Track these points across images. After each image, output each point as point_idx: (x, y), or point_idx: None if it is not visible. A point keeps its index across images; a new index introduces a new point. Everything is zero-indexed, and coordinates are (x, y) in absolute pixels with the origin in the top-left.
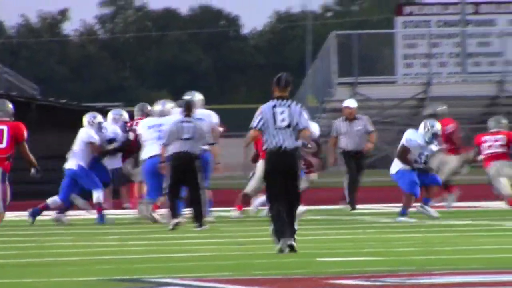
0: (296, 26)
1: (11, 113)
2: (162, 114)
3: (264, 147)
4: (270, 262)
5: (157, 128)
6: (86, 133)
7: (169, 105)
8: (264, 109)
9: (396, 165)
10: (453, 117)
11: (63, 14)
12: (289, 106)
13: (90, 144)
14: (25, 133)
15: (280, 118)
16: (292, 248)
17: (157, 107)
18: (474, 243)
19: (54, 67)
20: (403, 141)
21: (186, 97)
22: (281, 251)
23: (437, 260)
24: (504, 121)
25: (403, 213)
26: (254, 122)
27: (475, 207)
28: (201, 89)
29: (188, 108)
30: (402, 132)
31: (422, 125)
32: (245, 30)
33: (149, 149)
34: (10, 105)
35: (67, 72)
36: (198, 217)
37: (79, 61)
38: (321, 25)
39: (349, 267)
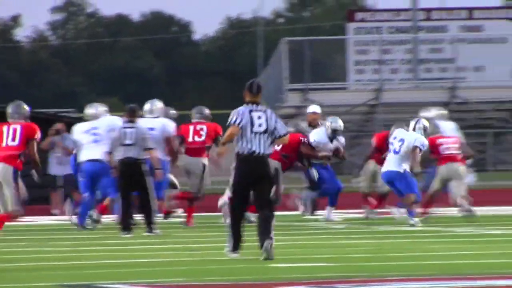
0: (247, 32)
1: (26, 115)
2: (95, 117)
3: (236, 151)
4: (222, 268)
5: (92, 131)
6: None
7: (102, 108)
8: (241, 111)
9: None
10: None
11: (15, 20)
12: (264, 111)
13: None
14: (38, 133)
15: (258, 123)
16: (268, 255)
17: (90, 110)
18: (426, 250)
19: (6, 73)
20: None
21: (147, 104)
22: (266, 255)
23: (390, 266)
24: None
25: (411, 214)
26: (233, 119)
27: (427, 213)
28: (153, 95)
29: (131, 114)
30: (354, 138)
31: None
32: (197, 36)
33: (86, 153)
34: (26, 107)
35: (19, 78)
36: (148, 222)
37: (30, 67)
38: (272, 31)
39: (301, 273)
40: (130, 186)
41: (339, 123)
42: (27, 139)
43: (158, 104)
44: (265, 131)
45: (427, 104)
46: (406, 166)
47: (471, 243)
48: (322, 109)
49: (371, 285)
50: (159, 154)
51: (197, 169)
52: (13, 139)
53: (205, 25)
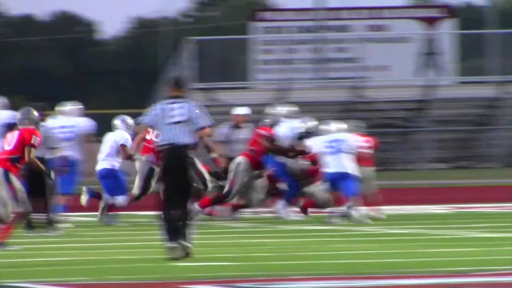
0: (154, 32)
1: (36, 121)
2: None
3: (157, 144)
4: (126, 267)
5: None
6: (120, 136)
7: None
8: (155, 108)
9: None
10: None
11: None
12: (185, 103)
13: (122, 147)
14: (35, 139)
15: (175, 113)
16: (186, 252)
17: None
18: (331, 249)
19: None
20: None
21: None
22: (177, 255)
23: (294, 265)
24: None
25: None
26: (145, 118)
27: (332, 212)
28: (58, 94)
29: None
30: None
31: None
32: (103, 35)
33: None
34: (35, 113)
35: None
36: (45, 222)
37: None
38: (178, 31)
39: (205, 272)
40: (34, 185)
41: (311, 124)
42: (22, 144)
43: (73, 104)
44: (182, 121)
45: (332, 104)
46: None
47: (376, 243)
48: (226, 109)
49: (273, 284)
50: (69, 152)
51: None
52: (9, 144)
53: (111, 25)
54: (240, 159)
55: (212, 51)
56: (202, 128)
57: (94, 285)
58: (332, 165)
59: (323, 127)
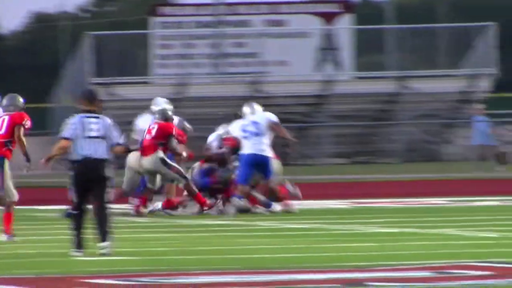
0: (52, 27)
1: (22, 107)
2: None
3: (71, 157)
4: (28, 261)
5: None
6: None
7: None
8: (73, 121)
9: None
10: (208, 118)
11: None
12: (100, 118)
13: None
14: (26, 121)
15: (91, 128)
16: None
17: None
18: (230, 243)
19: None
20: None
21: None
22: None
23: (193, 260)
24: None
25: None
26: (64, 132)
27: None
28: None
29: None
30: None
31: None
32: (1, 30)
33: None
34: (21, 99)
35: None
36: None
37: None
38: (77, 26)
39: (104, 266)
40: None
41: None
42: (13, 127)
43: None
44: (99, 137)
45: (231, 99)
46: None
47: (276, 237)
48: (125, 104)
49: (175, 278)
50: None
51: None
52: (0, 129)
53: (10, 20)
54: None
55: (111, 46)
56: (116, 145)
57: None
58: (247, 147)
59: (244, 109)
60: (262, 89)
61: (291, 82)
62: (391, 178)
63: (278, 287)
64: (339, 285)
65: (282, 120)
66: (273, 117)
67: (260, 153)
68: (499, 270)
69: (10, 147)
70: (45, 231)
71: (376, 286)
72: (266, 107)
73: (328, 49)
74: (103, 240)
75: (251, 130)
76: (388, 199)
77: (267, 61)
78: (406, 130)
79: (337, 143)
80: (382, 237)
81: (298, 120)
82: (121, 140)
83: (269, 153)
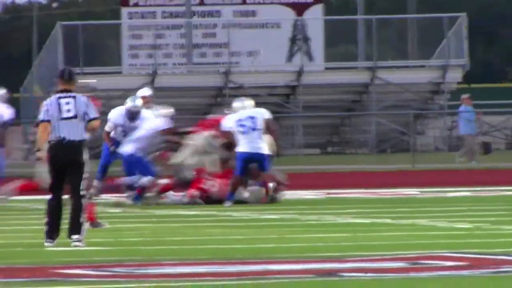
0: (22, 17)
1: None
2: None
3: (49, 139)
4: (1, 251)
5: None
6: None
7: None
8: (48, 103)
9: None
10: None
11: None
12: (74, 97)
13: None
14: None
15: (66, 109)
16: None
17: None
18: (202, 234)
19: None
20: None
21: None
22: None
23: (166, 250)
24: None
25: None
26: (40, 115)
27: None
28: None
29: None
30: None
31: None
32: None
33: None
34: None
35: None
36: None
37: None
38: (47, 16)
39: (78, 256)
40: None
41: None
42: None
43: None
44: (75, 116)
45: (203, 89)
46: None
47: (247, 228)
48: (98, 94)
49: (148, 268)
50: None
51: None
52: None
53: None
54: None
55: (82, 36)
56: (91, 119)
57: None
58: (244, 144)
59: (235, 104)
60: (232, 80)
61: (262, 72)
62: (363, 169)
63: (251, 277)
64: (312, 275)
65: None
66: (268, 114)
67: (256, 151)
68: (473, 260)
69: None
70: (17, 221)
71: (350, 276)
72: (235, 97)
73: (298, 39)
74: (76, 232)
75: (248, 124)
76: (360, 190)
77: (237, 51)
78: (376, 120)
79: (309, 133)
80: (355, 227)
81: (270, 111)
82: (94, 115)
83: (265, 149)
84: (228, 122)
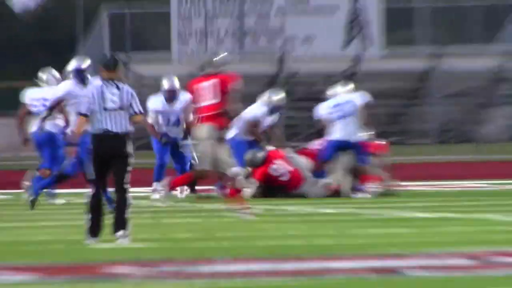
0: (67, 2)
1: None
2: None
3: (91, 130)
4: (46, 249)
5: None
6: None
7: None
8: (92, 90)
9: None
10: None
11: None
12: (120, 88)
13: None
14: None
15: (110, 99)
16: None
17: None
18: (256, 229)
19: None
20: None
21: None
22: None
23: (217, 246)
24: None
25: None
26: (82, 106)
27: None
28: None
29: None
30: None
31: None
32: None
33: None
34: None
35: None
36: None
37: None
38: (92, 1)
39: (123, 254)
40: None
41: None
42: None
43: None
44: (120, 108)
45: (253, 77)
46: None
47: (302, 223)
48: (144, 82)
49: (197, 265)
50: None
51: None
52: None
53: None
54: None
55: (128, 21)
56: (134, 114)
57: (10, 267)
58: (339, 131)
59: (330, 91)
60: (287, 67)
61: (318, 59)
62: (424, 160)
63: (308, 275)
64: (373, 273)
65: (310, 100)
66: (367, 97)
67: (352, 138)
68: None
69: None
70: (61, 217)
71: (414, 275)
72: (291, 85)
73: (356, 25)
74: (121, 227)
75: (346, 109)
76: (422, 182)
77: (291, 37)
78: (439, 109)
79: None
80: (419, 222)
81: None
82: (138, 109)
83: (360, 136)
84: (323, 109)
